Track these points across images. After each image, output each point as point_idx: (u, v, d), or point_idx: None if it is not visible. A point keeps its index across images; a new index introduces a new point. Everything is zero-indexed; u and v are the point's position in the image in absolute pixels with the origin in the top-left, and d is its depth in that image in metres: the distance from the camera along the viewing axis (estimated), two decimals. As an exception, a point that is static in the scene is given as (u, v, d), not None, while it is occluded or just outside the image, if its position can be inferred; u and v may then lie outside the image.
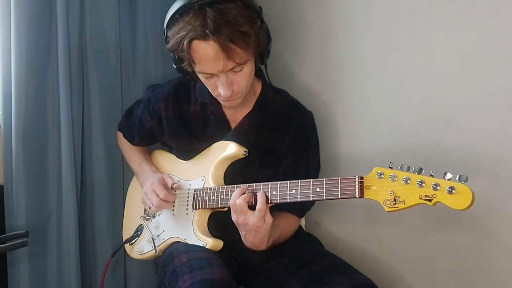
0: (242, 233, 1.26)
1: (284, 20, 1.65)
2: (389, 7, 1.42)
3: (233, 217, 1.24)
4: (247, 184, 1.25)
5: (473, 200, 0.96)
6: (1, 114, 1.50)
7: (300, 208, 1.44)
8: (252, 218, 1.20)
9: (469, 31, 1.26)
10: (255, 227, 1.20)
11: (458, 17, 1.28)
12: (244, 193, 1.23)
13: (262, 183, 1.24)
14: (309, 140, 1.42)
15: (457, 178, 0.97)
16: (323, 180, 1.15)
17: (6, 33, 1.46)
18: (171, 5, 1.25)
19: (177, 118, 1.44)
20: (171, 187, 1.40)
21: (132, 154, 1.59)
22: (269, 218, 1.21)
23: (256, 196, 1.21)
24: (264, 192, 1.22)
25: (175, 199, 1.41)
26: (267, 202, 1.21)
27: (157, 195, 1.37)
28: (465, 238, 1.33)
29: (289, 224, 1.41)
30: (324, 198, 1.15)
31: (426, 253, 1.42)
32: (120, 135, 1.64)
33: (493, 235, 1.28)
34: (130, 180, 1.65)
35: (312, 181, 1.17)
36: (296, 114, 1.41)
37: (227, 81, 1.24)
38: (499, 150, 1.24)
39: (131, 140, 1.59)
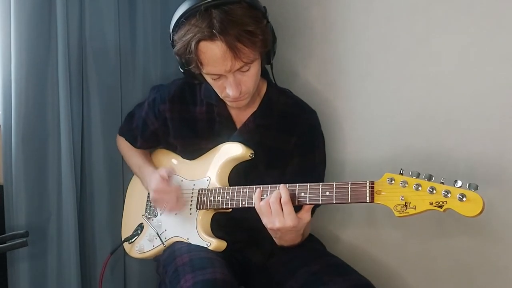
0: (276, 235, 1.26)
1: (284, 19, 1.65)
2: (389, 7, 1.42)
3: (267, 223, 1.21)
4: (255, 186, 1.25)
5: (483, 208, 0.97)
6: (1, 114, 1.50)
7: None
8: (287, 220, 1.18)
9: (469, 31, 1.27)
10: (291, 227, 1.19)
11: (458, 17, 1.28)
12: (262, 195, 1.23)
13: (269, 185, 1.23)
14: (315, 139, 1.42)
15: (467, 186, 0.98)
16: (333, 184, 1.15)
17: (6, 34, 1.45)
18: (174, 7, 1.25)
19: (183, 120, 1.44)
20: (168, 177, 1.39)
21: (132, 157, 1.58)
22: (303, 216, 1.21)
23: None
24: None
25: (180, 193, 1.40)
26: None
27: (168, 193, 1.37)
28: (465, 239, 1.33)
29: None
30: (334, 202, 1.14)
31: (427, 253, 1.42)
32: (120, 139, 1.62)
33: (493, 235, 1.29)
34: (130, 179, 1.65)
35: (322, 184, 1.17)
36: (302, 114, 1.42)
37: (235, 82, 1.24)
38: (500, 150, 1.24)
39: (134, 143, 1.58)
